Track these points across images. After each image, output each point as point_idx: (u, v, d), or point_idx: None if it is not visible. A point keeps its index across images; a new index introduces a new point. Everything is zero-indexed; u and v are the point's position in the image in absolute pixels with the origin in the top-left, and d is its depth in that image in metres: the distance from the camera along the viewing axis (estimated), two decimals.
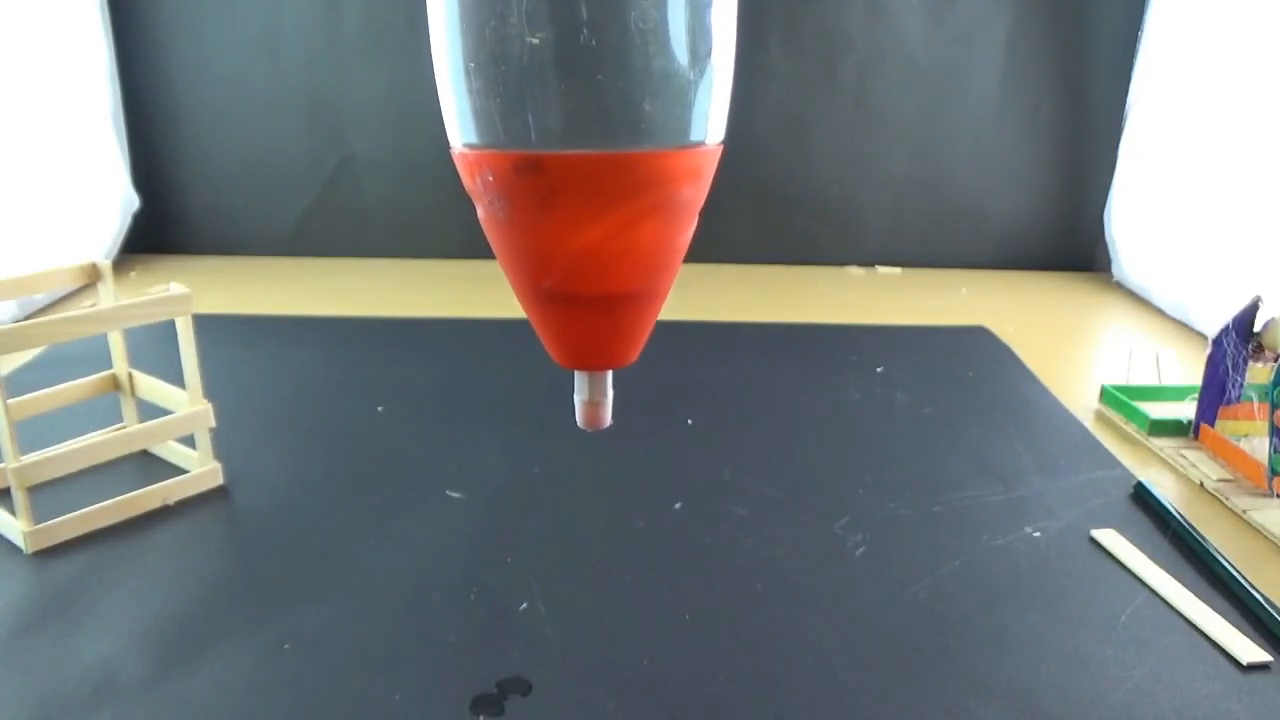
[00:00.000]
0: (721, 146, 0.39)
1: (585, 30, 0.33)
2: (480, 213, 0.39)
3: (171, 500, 0.69)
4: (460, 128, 0.37)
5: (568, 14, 0.33)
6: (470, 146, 0.37)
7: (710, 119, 0.37)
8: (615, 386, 0.44)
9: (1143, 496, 0.72)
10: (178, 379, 0.70)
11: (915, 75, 1.40)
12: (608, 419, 0.44)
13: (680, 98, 0.36)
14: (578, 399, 0.43)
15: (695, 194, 0.39)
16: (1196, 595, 0.60)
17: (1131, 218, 1.38)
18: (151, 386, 0.74)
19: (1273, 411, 0.73)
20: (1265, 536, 0.68)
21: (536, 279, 0.39)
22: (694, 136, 0.37)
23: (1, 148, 1.12)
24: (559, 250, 0.37)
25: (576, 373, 0.43)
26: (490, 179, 0.36)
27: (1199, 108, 1.21)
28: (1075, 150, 1.45)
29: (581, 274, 0.38)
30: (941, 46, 1.39)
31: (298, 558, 0.63)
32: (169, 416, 0.70)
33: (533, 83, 0.34)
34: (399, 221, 1.45)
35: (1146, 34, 1.34)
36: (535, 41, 0.33)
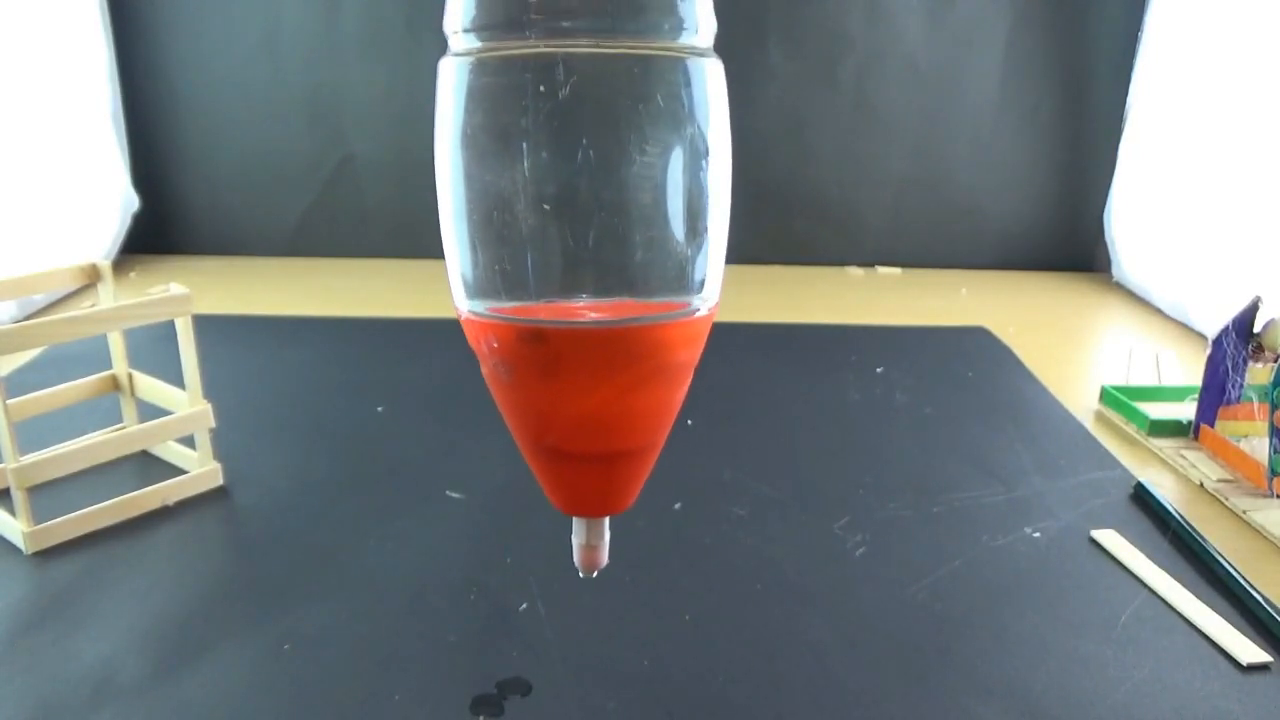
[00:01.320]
0: (716, 308, 0.40)
1: (588, 210, 0.34)
2: (484, 371, 0.40)
3: (171, 500, 0.69)
4: (466, 295, 0.38)
5: (571, 196, 0.34)
6: (475, 314, 0.38)
7: (706, 286, 0.38)
8: None
9: (1143, 497, 0.72)
10: (178, 379, 0.70)
11: (915, 75, 1.40)
12: (604, 561, 0.45)
13: (678, 272, 0.37)
14: (575, 541, 0.44)
15: (691, 357, 0.40)
16: (1196, 595, 0.60)
17: (1131, 218, 1.38)
18: (151, 387, 0.74)
19: (1273, 412, 0.73)
20: (1265, 537, 0.68)
21: (537, 436, 0.40)
22: (692, 305, 0.38)
23: (2, 148, 1.12)
24: (560, 413, 0.38)
25: (575, 518, 0.44)
26: (495, 345, 0.37)
27: (1199, 108, 1.21)
28: (1075, 150, 1.45)
29: (582, 435, 0.39)
30: (941, 47, 1.39)
31: (298, 558, 0.63)
32: (169, 417, 0.70)
33: (538, 259, 0.35)
34: (399, 221, 1.45)
35: (1146, 34, 1.34)
36: (540, 220, 0.34)
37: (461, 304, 0.38)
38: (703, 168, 0.36)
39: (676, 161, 0.35)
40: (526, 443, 0.41)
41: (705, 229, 0.37)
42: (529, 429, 0.40)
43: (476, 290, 0.37)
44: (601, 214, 0.34)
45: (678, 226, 0.36)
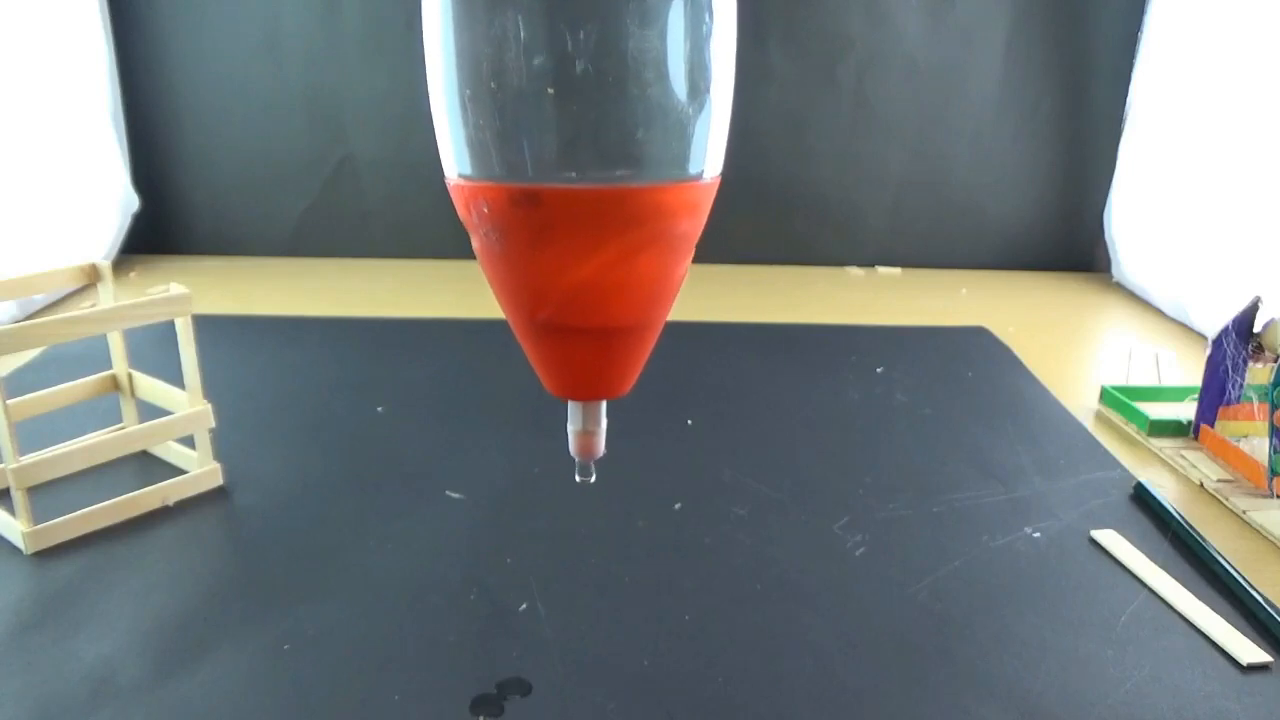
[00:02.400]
0: (719, 180, 0.39)
1: (583, 62, 0.33)
2: (475, 243, 0.39)
3: (171, 501, 0.69)
4: (455, 159, 0.37)
5: (565, 46, 0.33)
6: (466, 178, 0.37)
7: (709, 153, 0.37)
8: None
9: (1143, 497, 0.72)
10: (178, 379, 0.70)
11: (915, 75, 1.40)
12: (601, 449, 0.44)
13: (679, 131, 0.35)
14: (571, 428, 0.43)
15: (692, 227, 0.38)
16: (1196, 596, 0.60)
17: (1131, 218, 1.38)
18: (151, 387, 0.74)
19: (1273, 412, 0.73)
20: (1265, 537, 0.68)
21: (531, 311, 0.39)
22: (692, 170, 0.37)
23: (2, 148, 1.12)
24: (554, 283, 0.37)
25: (570, 403, 0.43)
26: (486, 211, 0.36)
27: (1199, 108, 1.21)
28: (1075, 150, 1.45)
29: (577, 307, 0.38)
30: (941, 47, 1.39)
31: (298, 558, 0.63)
32: (169, 417, 0.70)
33: (530, 115, 0.34)
34: (399, 221, 1.45)
35: (1146, 34, 1.34)
36: (533, 74, 0.33)
37: (451, 171, 0.37)
38: (706, 25, 0.35)
39: (678, 19, 0.34)
40: (520, 320, 0.40)
41: (707, 91, 0.36)
42: (522, 303, 0.39)
43: (468, 154, 0.36)
44: (598, 73, 0.33)
45: (679, 87, 0.34)
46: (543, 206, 0.35)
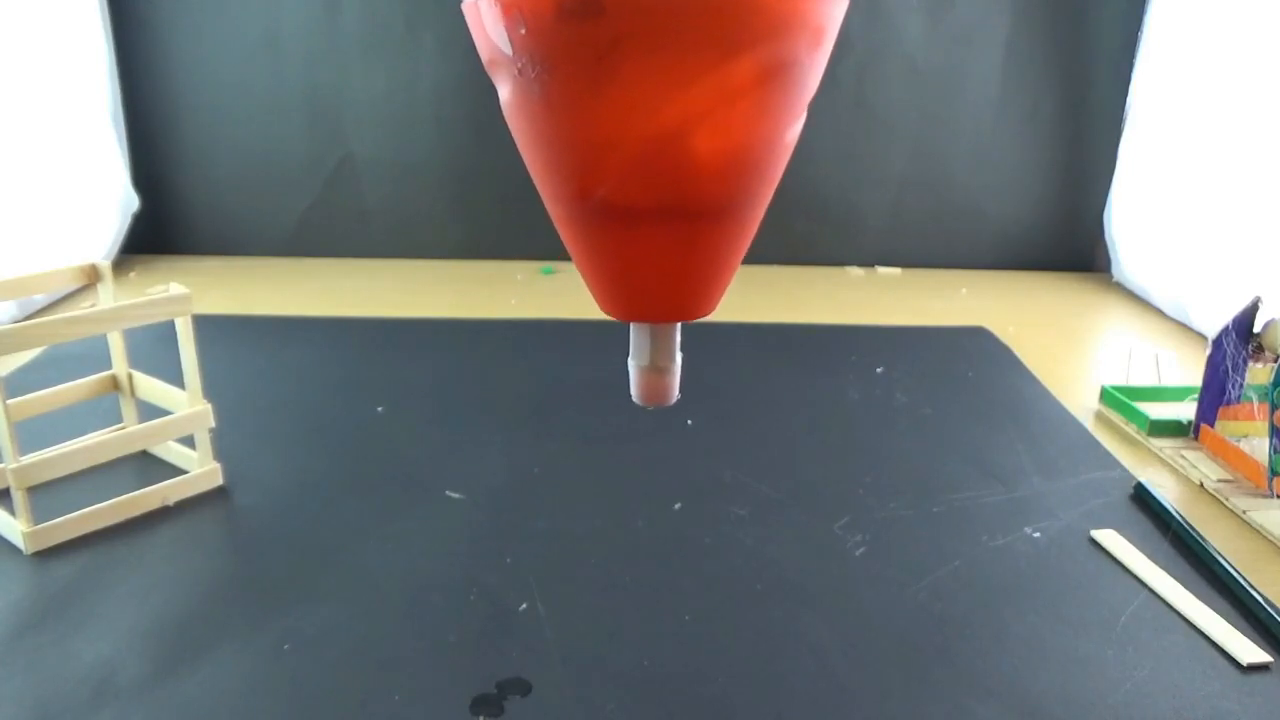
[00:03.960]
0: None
1: None
2: (504, 94, 0.28)
3: (171, 501, 0.69)
4: None
5: None
6: None
7: None
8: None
9: (1143, 497, 0.72)
10: (177, 379, 0.70)
11: (915, 75, 1.40)
12: (674, 392, 0.32)
13: None
14: (634, 364, 0.32)
15: (814, 61, 0.28)
16: (1196, 596, 0.60)
17: (1131, 218, 1.38)
18: (151, 387, 0.74)
19: (1273, 412, 0.73)
20: (1265, 537, 0.68)
21: (585, 183, 0.28)
22: None
23: (2, 147, 1.12)
24: (621, 136, 0.26)
25: (634, 328, 0.32)
26: (523, 31, 0.26)
27: (1199, 108, 1.21)
28: (1075, 150, 1.45)
29: (651, 173, 0.27)
30: (941, 47, 1.39)
31: (298, 558, 0.63)
32: (169, 417, 0.70)
33: None
34: (399, 221, 1.45)
35: (1146, 34, 1.34)
36: None
37: None
38: None
39: None
40: (568, 200, 0.28)
41: None
42: (573, 174, 0.28)
43: None
44: None
45: None
46: (607, 18, 0.25)
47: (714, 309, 0.31)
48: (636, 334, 0.31)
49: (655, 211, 0.28)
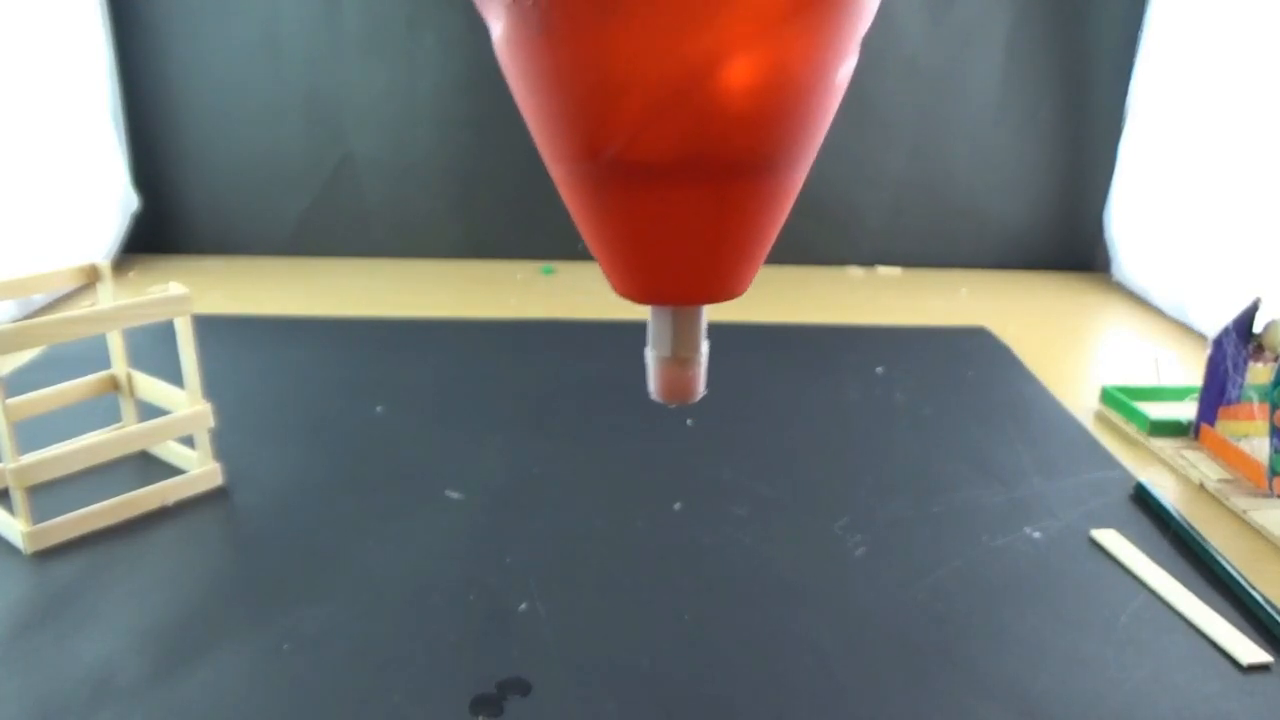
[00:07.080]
0: None
1: None
2: (498, 29, 0.24)
3: (171, 501, 0.69)
4: None
5: None
6: None
7: None
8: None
9: (1143, 497, 0.72)
10: (177, 379, 0.70)
11: (915, 75, 1.40)
12: (699, 388, 0.28)
13: None
14: (653, 355, 0.27)
15: None
16: (1196, 596, 0.60)
17: (1131, 218, 1.38)
18: (151, 387, 0.74)
19: (1273, 412, 0.73)
20: (1265, 537, 0.68)
21: (594, 138, 0.23)
22: None
23: (1, 147, 1.12)
24: (636, 75, 0.22)
25: (653, 312, 0.27)
26: None
27: (1199, 108, 1.21)
28: (1075, 150, 1.45)
29: (673, 121, 0.22)
30: (941, 47, 1.39)
31: (298, 558, 0.63)
32: (168, 417, 0.70)
33: None
34: (399, 221, 1.45)
35: (1146, 34, 1.34)
36: None
37: None
38: None
39: None
40: (573, 158, 0.24)
41: None
42: (579, 121, 0.23)
43: None
44: None
45: None
46: None
47: (745, 289, 0.26)
48: (656, 319, 0.27)
49: (678, 168, 0.23)
